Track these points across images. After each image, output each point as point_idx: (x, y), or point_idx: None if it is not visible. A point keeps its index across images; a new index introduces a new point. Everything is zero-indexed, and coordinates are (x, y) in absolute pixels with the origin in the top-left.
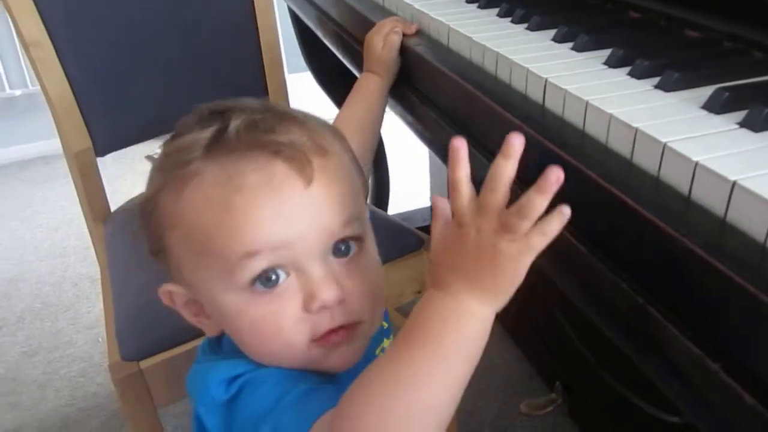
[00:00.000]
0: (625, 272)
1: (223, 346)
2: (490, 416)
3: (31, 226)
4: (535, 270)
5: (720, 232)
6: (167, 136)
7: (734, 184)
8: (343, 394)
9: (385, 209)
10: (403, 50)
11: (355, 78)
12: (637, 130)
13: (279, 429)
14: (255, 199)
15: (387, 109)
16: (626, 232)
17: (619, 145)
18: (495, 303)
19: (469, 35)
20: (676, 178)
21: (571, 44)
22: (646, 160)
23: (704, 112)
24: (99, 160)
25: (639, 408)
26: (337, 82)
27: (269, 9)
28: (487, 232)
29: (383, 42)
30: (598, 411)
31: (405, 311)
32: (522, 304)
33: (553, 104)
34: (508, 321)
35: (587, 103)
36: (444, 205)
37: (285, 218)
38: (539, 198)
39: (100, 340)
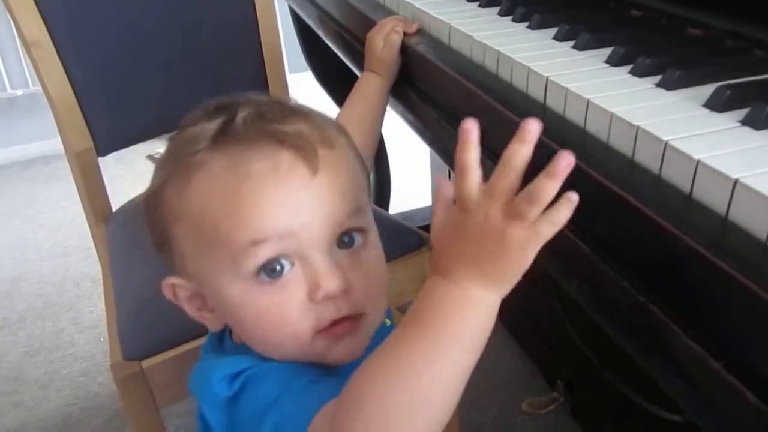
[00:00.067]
0: (627, 271)
1: (225, 345)
2: (492, 415)
3: (32, 225)
4: (536, 268)
5: (722, 230)
6: (168, 136)
7: (736, 182)
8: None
9: (387, 208)
10: (404, 49)
11: (356, 78)
12: (638, 128)
13: (282, 421)
14: (261, 188)
15: (388, 108)
16: (628, 231)
17: (621, 143)
18: (501, 290)
19: (470, 34)
20: (677, 176)
21: (572, 42)
22: (647, 159)
23: (706, 111)
24: (100, 160)
25: (641, 406)
26: (338, 82)
27: (270, 9)
28: (495, 218)
29: (384, 41)
30: (599, 409)
31: (407, 310)
32: (523, 302)
33: (554, 103)
34: (509, 319)
35: (588, 101)
36: (447, 188)
37: (291, 207)
38: (550, 183)
39: (101, 339)
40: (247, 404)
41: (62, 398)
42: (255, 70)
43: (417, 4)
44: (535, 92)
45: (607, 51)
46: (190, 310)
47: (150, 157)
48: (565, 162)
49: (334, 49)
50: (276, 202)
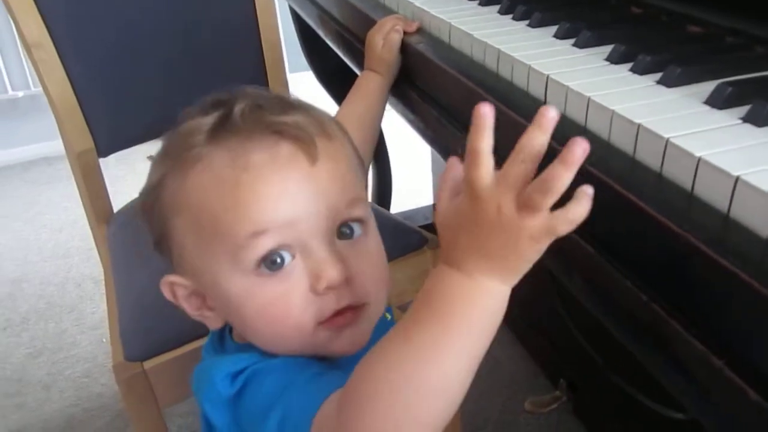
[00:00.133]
0: (629, 269)
1: (226, 345)
2: (494, 414)
3: (34, 227)
4: (539, 267)
5: (723, 227)
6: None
7: (737, 179)
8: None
9: (387, 208)
10: (404, 48)
11: (357, 77)
12: (639, 126)
13: (287, 414)
14: (260, 179)
15: (388, 107)
16: (629, 229)
17: (622, 141)
18: (511, 281)
19: (471, 32)
20: (679, 173)
21: (572, 41)
22: (648, 156)
23: (707, 108)
24: (101, 160)
25: (643, 405)
26: (338, 81)
27: (270, 8)
28: (508, 210)
29: (384, 40)
30: (602, 408)
31: (414, 299)
32: (526, 301)
33: (555, 101)
34: (512, 319)
35: (589, 99)
36: (458, 169)
37: (291, 196)
38: (564, 171)
39: (104, 340)
40: (251, 401)
41: (65, 399)
42: (255, 69)
43: (417, 3)
44: (536, 90)
45: (607, 49)
46: (189, 309)
47: (151, 158)
48: (580, 149)
49: (335, 49)
50: (275, 193)
